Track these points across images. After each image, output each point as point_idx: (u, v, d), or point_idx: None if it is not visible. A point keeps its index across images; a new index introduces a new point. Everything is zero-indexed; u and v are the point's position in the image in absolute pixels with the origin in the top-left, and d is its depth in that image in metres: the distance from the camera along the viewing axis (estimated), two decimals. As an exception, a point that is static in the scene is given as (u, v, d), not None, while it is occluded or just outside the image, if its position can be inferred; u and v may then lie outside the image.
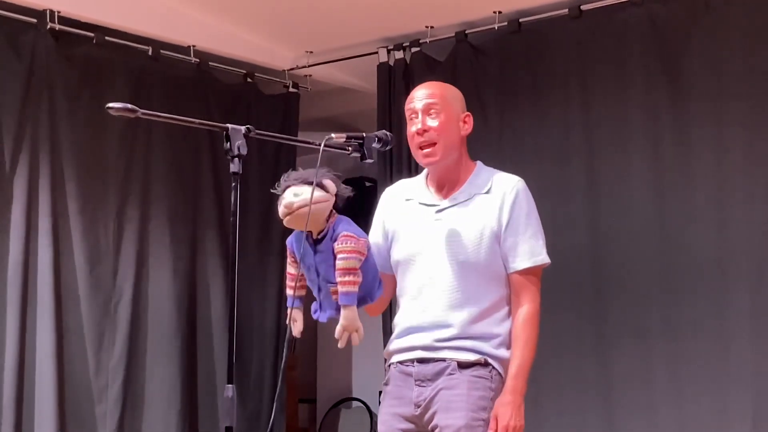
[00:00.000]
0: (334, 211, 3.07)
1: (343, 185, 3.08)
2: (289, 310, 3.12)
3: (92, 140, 5.70)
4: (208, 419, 6.01)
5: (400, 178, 5.76)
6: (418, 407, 3.18)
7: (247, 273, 6.26)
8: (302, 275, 3.11)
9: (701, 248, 5.04)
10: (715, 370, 4.94)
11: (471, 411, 3.10)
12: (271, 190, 3.09)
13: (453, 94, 3.33)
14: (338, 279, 3.00)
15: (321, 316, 3.11)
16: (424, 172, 3.37)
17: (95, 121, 5.65)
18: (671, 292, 5.08)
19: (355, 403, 7.51)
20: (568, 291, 5.28)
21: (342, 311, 3.01)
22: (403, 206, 3.35)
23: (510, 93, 5.68)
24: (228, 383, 2.78)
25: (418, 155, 3.26)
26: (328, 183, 3.04)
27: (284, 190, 3.03)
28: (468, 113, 3.30)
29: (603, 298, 5.28)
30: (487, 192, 3.24)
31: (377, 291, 3.17)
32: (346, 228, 3.05)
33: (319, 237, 3.06)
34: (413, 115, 3.27)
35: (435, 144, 3.23)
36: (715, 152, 5.04)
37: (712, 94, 5.07)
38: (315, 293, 3.12)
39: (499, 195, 3.22)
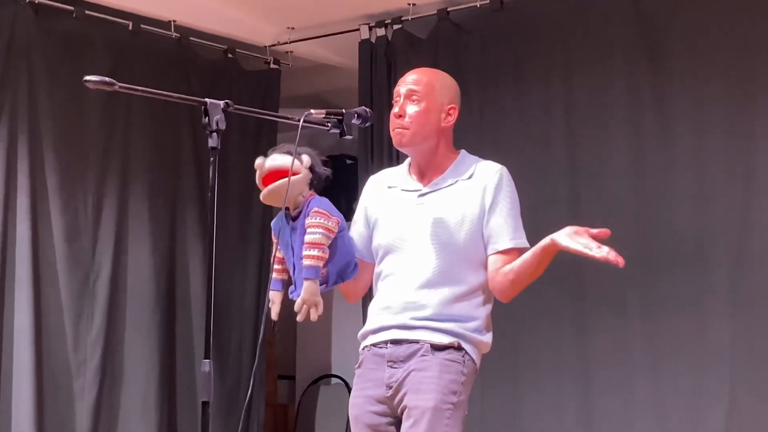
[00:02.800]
0: (312, 190, 3.09)
1: (323, 166, 3.10)
2: (270, 292, 3.14)
3: (71, 115, 5.68)
4: (187, 394, 6.01)
5: (380, 156, 5.85)
6: (390, 389, 3.18)
7: (227, 249, 6.25)
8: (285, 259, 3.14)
9: (681, 227, 5.06)
10: (692, 348, 4.97)
11: (441, 394, 3.10)
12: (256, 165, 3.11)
13: (443, 83, 3.32)
14: (303, 252, 3.03)
15: (295, 294, 3.11)
16: (407, 160, 3.39)
17: (74, 96, 5.62)
18: (650, 270, 5.10)
19: (334, 380, 7.52)
20: (547, 270, 5.28)
21: (304, 284, 3.02)
22: (385, 194, 3.36)
23: (492, 71, 5.68)
24: (205, 358, 2.77)
25: (393, 137, 3.29)
26: (304, 158, 3.06)
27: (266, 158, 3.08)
28: (453, 106, 3.29)
29: (582, 276, 5.29)
30: (469, 178, 3.25)
31: (351, 272, 3.18)
32: (318, 204, 3.08)
33: (296, 214, 3.09)
34: (397, 98, 3.29)
35: (407, 129, 3.24)
36: (695, 131, 5.06)
37: (692, 73, 5.08)
38: (291, 272, 3.13)
39: (482, 180, 3.24)
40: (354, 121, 3.17)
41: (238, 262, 6.44)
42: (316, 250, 3.03)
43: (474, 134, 5.35)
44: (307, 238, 3.03)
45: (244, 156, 6.41)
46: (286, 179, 3.00)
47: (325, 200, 3.12)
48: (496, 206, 3.21)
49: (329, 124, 3.15)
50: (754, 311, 4.86)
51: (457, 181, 3.26)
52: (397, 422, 3.19)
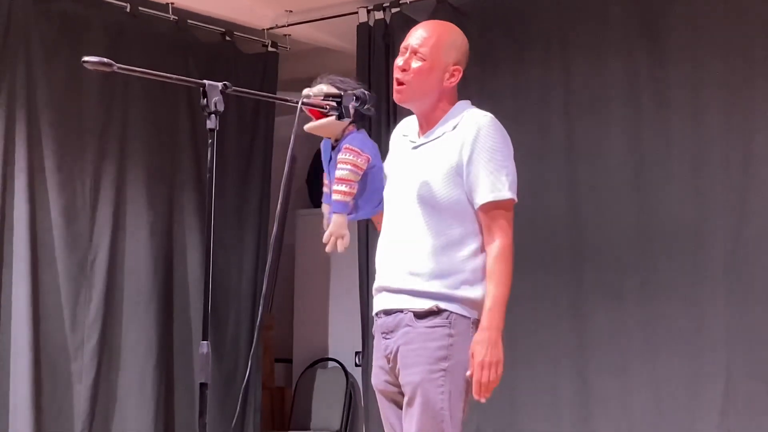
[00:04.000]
0: (352, 125, 3.25)
1: (362, 103, 3.24)
2: (323, 206, 3.32)
3: (69, 97, 5.67)
4: (184, 376, 6.02)
5: (378, 136, 5.83)
6: (388, 361, 3.20)
7: (225, 231, 6.26)
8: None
9: (677, 211, 5.07)
10: (688, 332, 4.99)
11: (427, 365, 3.09)
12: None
13: (450, 42, 3.29)
14: (333, 187, 3.20)
15: (353, 217, 3.30)
16: None
17: (72, 78, 5.61)
18: (647, 254, 5.11)
19: (331, 363, 7.53)
20: (544, 252, 5.31)
21: (333, 217, 3.18)
22: (399, 142, 3.41)
23: (490, 54, 5.67)
24: (203, 340, 2.78)
25: (393, 90, 3.30)
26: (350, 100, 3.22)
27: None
28: (458, 67, 3.26)
29: (579, 260, 5.31)
30: (453, 129, 3.22)
31: (375, 208, 3.31)
32: (352, 141, 3.22)
33: (335, 145, 3.26)
34: (404, 49, 3.29)
35: (405, 85, 3.24)
36: (693, 115, 5.06)
37: (690, 57, 5.08)
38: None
39: (462, 131, 3.19)
40: (353, 103, 3.18)
41: (236, 244, 6.44)
42: (344, 185, 3.19)
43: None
44: (337, 173, 3.20)
45: (242, 138, 6.42)
46: (326, 120, 3.20)
47: (361, 136, 3.26)
48: (473, 160, 3.15)
49: (327, 107, 3.16)
50: (750, 296, 4.87)
51: (444, 133, 3.23)
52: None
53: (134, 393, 5.85)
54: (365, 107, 3.24)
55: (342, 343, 7.37)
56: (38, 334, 5.41)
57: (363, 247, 5.98)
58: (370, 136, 3.35)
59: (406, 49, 3.27)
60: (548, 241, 5.30)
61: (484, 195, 3.15)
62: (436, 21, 3.41)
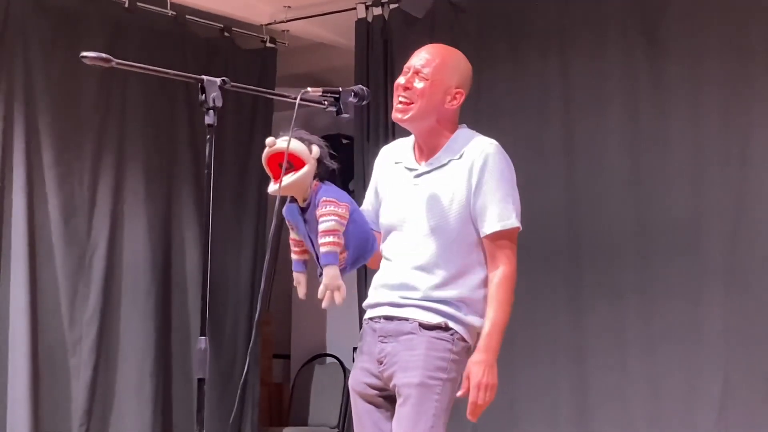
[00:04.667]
0: (317, 180, 3.09)
1: (330, 159, 3.10)
2: (294, 274, 3.19)
3: (67, 92, 5.67)
4: (182, 372, 6.02)
5: (377, 136, 5.83)
6: (381, 364, 3.20)
7: (223, 227, 6.25)
8: (302, 241, 3.19)
9: (676, 208, 5.07)
10: (686, 329, 4.99)
11: (427, 370, 3.11)
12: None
13: (455, 65, 3.29)
14: (319, 240, 3.05)
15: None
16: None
17: (70, 73, 5.61)
18: (645, 251, 5.11)
19: (329, 359, 7.53)
20: (543, 249, 5.30)
21: (324, 270, 3.05)
22: (392, 169, 3.35)
23: (488, 51, 5.66)
24: (201, 335, 2.78)
25: (394, 108, 3.27)
26: (314, 149, 3.05)
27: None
28: (460, 90, 3.26)
29: (578, 256, 5.31)
30: (459, 157, 3.23)
31: (370, 251, 3.21)
32: (326, 193, 3.08)
33: (305, 206, 3.10)
34: (406, 69, 3.27)
35: (410, 104, 3.22)
36: (691, 113, 5.06)
37: (689, 54, 5.08)
38: (315, 258, 3.16)
39: (470, 159, 3.20)
40: (351, 99, 3.17)
41: (234, 240, 6.44)
42: (331, 236, 3.05)
43: (470, 114, 5.27)
44: (321, 226, 3.05)
45: (240, 135, 6.42)
46: (291, 179, 3.01)
47: (333, 187, 3.13)
48: (481, 188, 3.17)
49: (326, 103, 3.14)
50: (748, 293, 4.87)
51: (449, 160, 3.24)
52: (389, 395, 3.21)
53: (132, 388, 5.84)
54: (363, 102, 3.23)
55: (340, 339, 7.37)
56: (36, 329, 5.41)
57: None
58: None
59: (409, 69, 3.25)
60: (546, 239, 5.29)
61: (491, 224, 3.17)
62: (440, 44, 3.40)
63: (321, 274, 3.11)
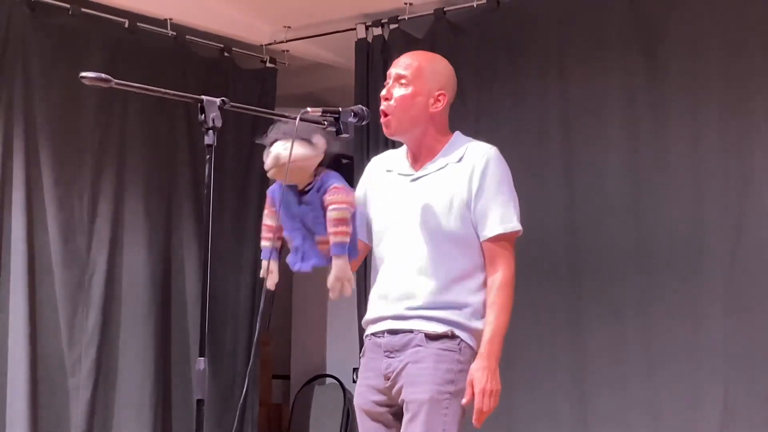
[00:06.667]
0: (322, 166, 3.09)
1: (337, 143, 3.11)
2: (264, 262, 3.11)
3: (67, 112, 5.67)
4: (181, 393, 6.01)
5: (376, 155, 5.83)
6: (388, 379, 3.20)
7: (223, 247, 6.25)
8: (279, 227, 3.12)
9: (676, 228, 5.06)
10: (687, 348, 4.97)
11: (436, 385, 3.11)
12: (257, 141, 3.10)
13: (434, 68, 3.32)
14: (331, 229, 3.02)
15: (303, 266, 3.10)
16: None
17: (70, 93, 5.61)
18: (645, 270, 5.11)
19: (328, 380, 7.51)
20: (543, 269, 5.30)
21: (334, 261, 3.02)
22: (384, 177, 3.37)
23: (488, 71, 5.67)
24: (200, 356, 2.77)
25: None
26: (318, 139, 3.05)
27: (272, 143, 3.05)
28: (442, 92, 3.28)
29: (578, 276, 5.30)
30: (459, 161, 3.24)
31: (354, 254, 3.16)
32: (338, 180, 3.09)
33: (306, 189, 3.08)
34: (387, 79, 3.30)
35: (389, 115, 3.24)
36: (690, 133, 5.06)
37: (688, 74, 5.08)
38: (296, 244, 3.11)
39: (470, 163, 3.22)
40: (350, 119, 3.17)
41: (234, 261, 6.43)
42: (343, 225, 3.02)
43: (469, 134, 5.32)
44: (333, 214, 3.02)
45: (239, 155, 6.42)
46: (294, 163, 2.99)
47: (338, 175, 3.13)
48: (482, 191, 3.19)
49: (326, 123, 3.15)
50: (748, 312, 4.86)
51: (447, 164, 3.25)
52: (397, 411, 3.20)
53: (131, 409, 5.83)
54: (363, 122, 3.23)
55: (340, 360, 7.36)
56: (35, 349, 5.39)
57: (362, 262, 5.96)
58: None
59: (390, 77, 3.28)
60: (546, 258, 5.29)
61: (493, 227, 3.18)
62: (420, 51, 3.43)
63: (296, 263, 3.07)
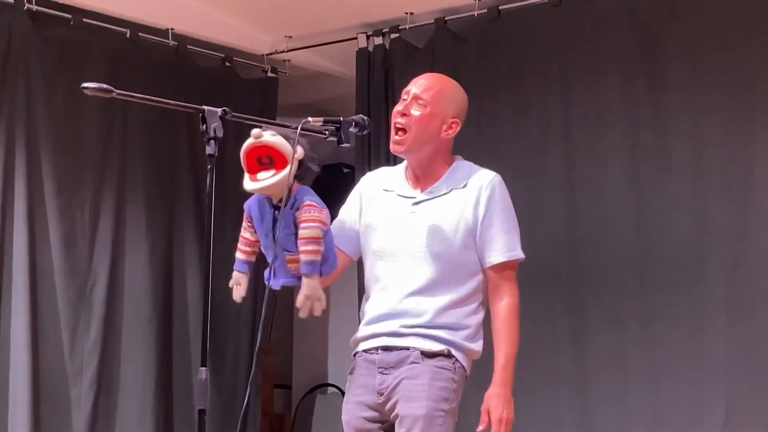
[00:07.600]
0: (296, 181, 3.03)
1: (314, 162, 3.05)
2: (234, 273, 3.11)
3: (69, 122, 5.68)
4: (183, 403, 6.00)
5: (377, 165, 5.83)
6: (381, 395, 3.19)
7: (224, 257, 6.22)
8: (256, 241, 3.10)
9: (677, 237, 5.06)
10: (689, 358, 4.97)
11: (432, 401, 3.11)
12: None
13: (452, 95, 3.32)
14: (301, 248, 2.97)
15: (274, 283, 3.06)
16: (404, 163, 3.38)
17: (72, 104, 5.62)
18: (647, 280, 5.10)
19: (330, 389, 7.51)
20: (544, 278, 5.29)
21: (304, 280, 2.98)
22: (381, 196, 3.36)
23: (489, 81, 5.68)
24: (202, 366, 2.77)
25: (391, 139, 3.27)
26: (298, 148, 3.01)
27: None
28: (456, 120, 3.28)
29: (579, 285, 5.30)
30: (464, 187, 3.25)
31: (332, 267, 3.11)
32: (311, 197, 3.03)
33: (279, 204, 3.03)
34: (404, 96, 3.30)
35: (406, 132, 3.23)
36: (692, 142, 5.06)
37: (689, 83, 5.08)
38: (269, 259, 3.07)
39: (476, 190, 3.23)
40: (351, 129, 3.18)
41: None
42: (314, 245, 2.97)
43: (470, 143, 5.32)
44: (304, 233, 2.97)
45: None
46: (281, 175, 2.96)
47: (311, 191, 3.06)
48: (489, 218, 3.21)
49: (327, 132, 3.15)
50: (750, 321, 4.86)
51: (451, 189, 3.26)
52: (389, 428, 3.20)
53: (133, 419, 5.82)
54: (364, 132, 3.23)
55: (342, 369, 7.29)
56: (37, 360, 5.39)
57: (362, 271, 5.96)
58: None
59: (408, 95, 3.28)
60: (548, 268, 5.28)
61: (498, 254, 3.21)
62: (439, 74, 3.43)
63: (269, 278, 3.04)
